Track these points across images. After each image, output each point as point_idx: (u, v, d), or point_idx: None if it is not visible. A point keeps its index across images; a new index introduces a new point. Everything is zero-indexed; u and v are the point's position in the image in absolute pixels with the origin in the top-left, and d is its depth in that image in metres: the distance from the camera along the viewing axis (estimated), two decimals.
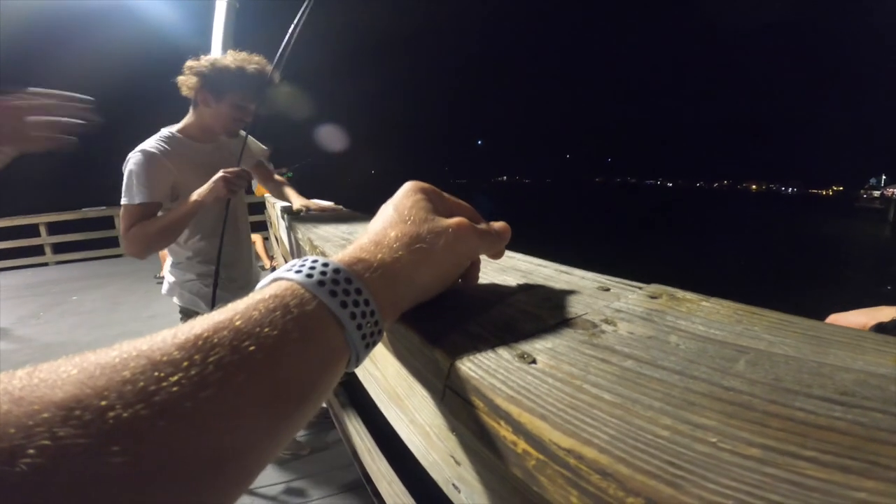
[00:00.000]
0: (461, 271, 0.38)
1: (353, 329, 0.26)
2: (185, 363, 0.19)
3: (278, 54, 1.41)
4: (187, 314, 1.70)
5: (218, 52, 2.75)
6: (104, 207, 7.74)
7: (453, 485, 0.37)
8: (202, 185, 1.46)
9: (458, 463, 0.36)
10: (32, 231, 7.57)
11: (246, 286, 1.76)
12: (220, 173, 1.43)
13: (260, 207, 6.30)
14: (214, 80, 1.49)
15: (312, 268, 0.26)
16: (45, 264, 7.61)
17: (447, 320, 0.34)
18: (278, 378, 0.22)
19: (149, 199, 1.42)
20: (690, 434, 0.18)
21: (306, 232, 0.93)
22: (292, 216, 1.42)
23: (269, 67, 1.53)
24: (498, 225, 0.40)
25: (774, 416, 0.19)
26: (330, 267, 0.27)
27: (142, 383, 0.18)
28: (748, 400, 0.20)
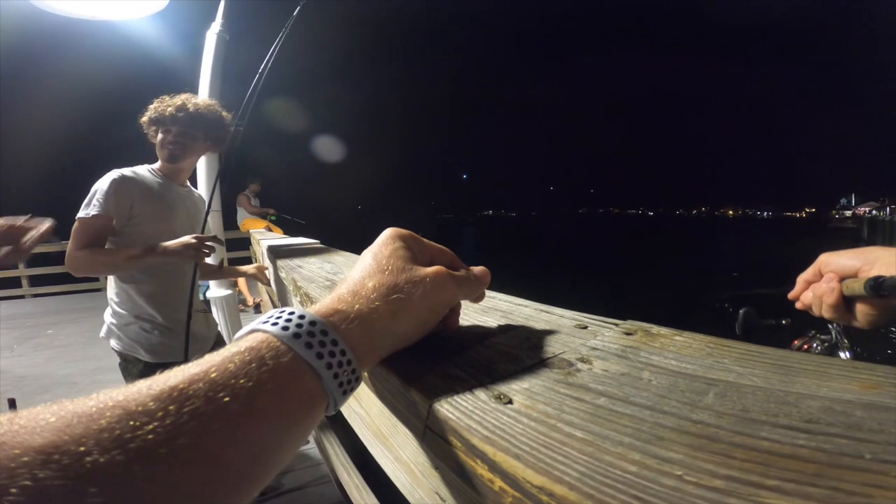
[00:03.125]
0: (440, 318, 0.38)
1: (330, 378, 0.26)
2: (160, 413, 0.20)
3: (244, 101, 1.49)
4: (126, 359, 1.67)
5: (207, 82, 2.80)
6: None
7: None
8: (159, 219, 1.58)
9: (443, 500, 0.35)
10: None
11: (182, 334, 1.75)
12: (189, 238, 1.51)
13: (245, 243, 6.27)
14: (152, 116, 1.65)
15: (289, 320, 0.27)
16: (22, 297, 7.41)
17: (426, 362, 0.34)
18: (253, 427, 0.22)
19: (103, 212, 1.49)
20: (657, 468, 0.19)
21: (290, 272, 0.93)
22: (275, 254, 1.42)
23: (189, 101, 1.68)
24: (477, 270, 0.41)
25: (740, 446, 0.19)
26: (306, 319, 0.27)
27: (118, 431, 0.18)
28: (715, 432, 0.21)
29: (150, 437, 0.19)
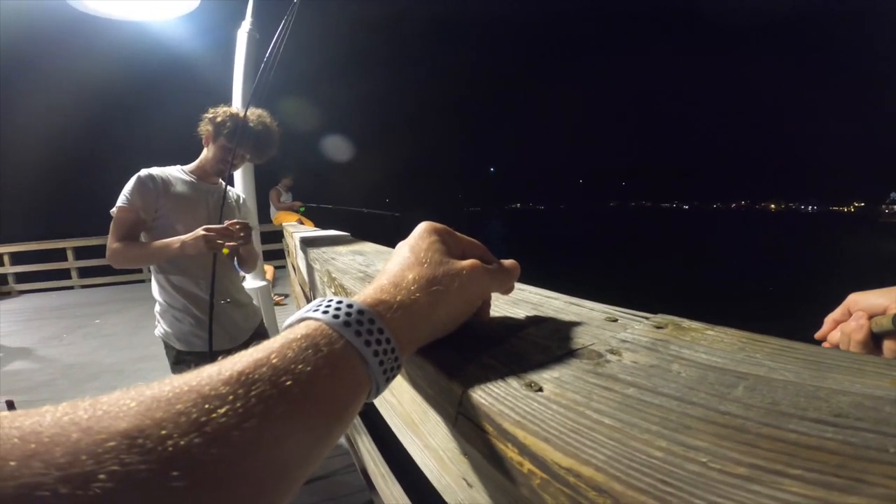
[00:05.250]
0: (474, 309, 0.39)
1: (376, 364, 0.28)
2: (231, 397, 0.21)
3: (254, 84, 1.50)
4: (166, 346, 1.77)
5: (240, 82, 2.88)
6: None
7: None
8: (182, 213, 1.65)
9: (469, 485, 0.37)
10: (60, 255, 7.82)
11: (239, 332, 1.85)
12: (200, 230, 1.56)
13: (277, 236, 6.41)
14: (218, 126, 1.69)
15: (339, 309, 0.29)
16: (71, 287, 7.82)
17: (461, 352, 0.36)
18: (312, 409, 0.24)
19: (127, 205, 1.58)
20: (683, 454, 0.19)
21: (324, 265, 0.96)
22: (308, 245, 1.46)
23: (272, 124, 1.75)
24: (508, 263, 0.42)
25: (766, 437, 0.20)
26: (354, 308, 0.29)
27: (194, 415, 0.20)
28: (742, 423, 0.21)
29: (223, 419, 0.20)
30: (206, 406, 0.20)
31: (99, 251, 8.04)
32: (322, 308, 0.29)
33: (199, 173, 1.78)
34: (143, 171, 1.64)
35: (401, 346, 0.30)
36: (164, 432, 0.18)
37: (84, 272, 7.96)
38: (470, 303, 0.38)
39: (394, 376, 0.30)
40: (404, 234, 0.41)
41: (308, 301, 1.95)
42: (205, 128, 1.72)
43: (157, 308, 1.75)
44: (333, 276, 0.81)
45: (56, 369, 3.82)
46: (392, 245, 0.44)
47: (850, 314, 0.60)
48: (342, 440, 2.25)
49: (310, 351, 0.25)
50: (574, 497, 0.20)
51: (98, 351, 4.28)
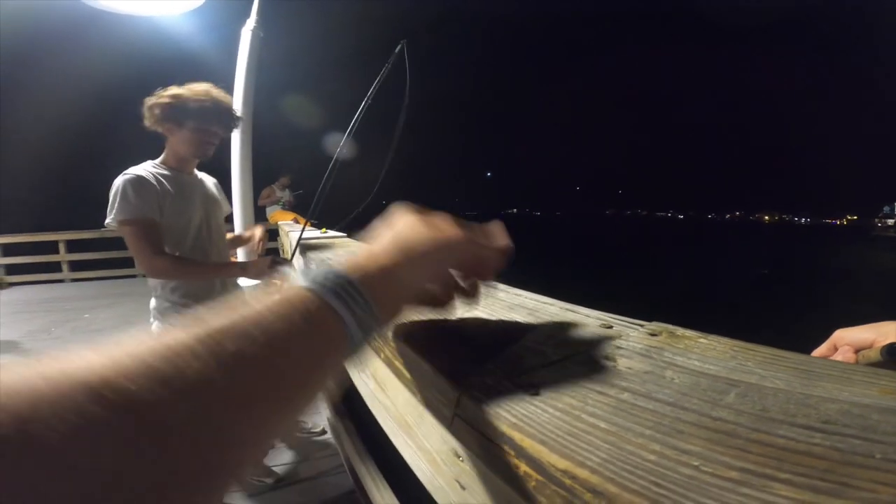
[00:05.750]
0: (445, 270, 0.39)
1: (351, 319, 0.28)
2: (205, 353, 0.21)
3: (353, 122, 1.49)
4: None
5: (242, 79, 2.88)
6: None
7: None
8: (181, 210, 1.62)
9: (463, 488, 0.37)
10: (51, 248, 7.73)
11: None
12: (267, 260, 1.64)
13: (272, 234, 6.37)
14: (174, 110, 1.58)
15: (317, 274, 0.30)
16: (62, 281, 7.73)
17: (458, 354, 0.36)
18: (285, 365, 0.24)
19: (139, 214, 1.52)
20: (676, 458, 0.20)
21: (321, 264, 0.96)
22: (305, 248, 1.47)
23: (226, 95, 1.68)
24: (493, 233, 0.42)
25: (756, 442, 0.21)
26: (332, 272, 0.30)
27: (165, 370, 0.19)
28: (733, 428, 0.22)
29: (193, 376, 0.20)
30: (178, 362, 0.20)
31: (91, 245, 7.97)
32: (303, 276, 0.30)
33: (175, 164, 1.69)
34: (129, 175, 1.55)
35: (379, 302, 0.31)
36: (131, 386, 0.18)
37: (75, 265, 7.89)
38: (446, 259, 0.38)
39: (370, 333, 0.30)
40: None
41: None
42: (155, 119, 1.60)
43: (157, 304, 1.72)
44: None
45: None
46: None
47: (836, 349, 0.62)
48: (331, 440, 2.24)
49: (283, 307, 0.26)
50: (569, 499, 0.21)
51: (86, 346, 4.24)
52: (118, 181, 1.53)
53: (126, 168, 1.58)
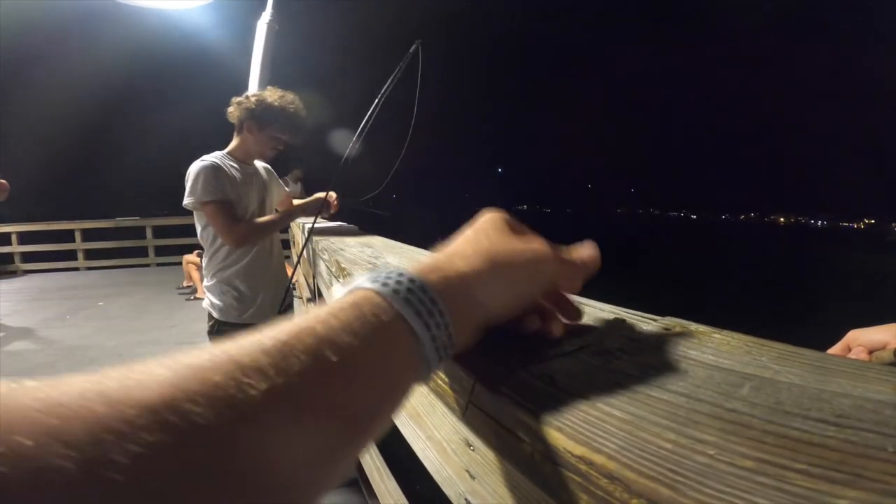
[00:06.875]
0: (538, 292, 0.36)
1: (427, 339, 0.25)
2: (272, 370, 0.19)
3: (362, 124, 1.53)
4: (209, 316, 1.90)
5: (256, 72, 2.90)
6: (137, 218, 8.01)
7: (466, 499, 0.39)
8: (241, 198, 1.77)
9: (472, 477, 0.37)
10: (68, 236, 7.87)
11: (271, 309, 1.95)
12: (321, 194, 1.89)
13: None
14: (260, 114, 1.78)
15: (388, 277, 0.26)
16: (77, 269, 7.86)
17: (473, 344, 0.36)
18: (355, 387, 0.22)
19: (220, 195, 1.69)
20: (691, 447, 0.20)
21: (333, 255, 0.97)
22: (316, 235, 1.48)
23: (301, 105, 1.86)
24: (583, 253, 0.38)
25: (771, 433, 0.21)
26: (405, 276, 0.27)
27: (231, 389, 0.18)
28: (748, 420, 0.22)
29: (259, 396, 0.18)
30: (244, 379, 0.18)
31: (106, 234, 8.09)
32: (371, 277, 0.27)
33: (242, 157, 1.86)
34: (206, 161, 1.72)
35: (456, 321, 0.27)
36: (195, 409, 0.17)
37: (90, 254, 8.01)
38: (533, 284, 0.34)
39: (446, 355, 0.27)
40: (405, 230, 0.41)
41: (312, 293, 1.97)
42: (240, 114, 1.79)
43: (207, 281, 1.89)
44: (343, 265, 0.82)
45: (56, 351, 3.83)
46: (396, 240, 0.45)
47: (850, 350, 0.61)
48: None
49: (357, 321, 0.23)
50: (584, 485, 0.21)
51: (99, 333, 4.28)
52: (196, 167, 1.70)
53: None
